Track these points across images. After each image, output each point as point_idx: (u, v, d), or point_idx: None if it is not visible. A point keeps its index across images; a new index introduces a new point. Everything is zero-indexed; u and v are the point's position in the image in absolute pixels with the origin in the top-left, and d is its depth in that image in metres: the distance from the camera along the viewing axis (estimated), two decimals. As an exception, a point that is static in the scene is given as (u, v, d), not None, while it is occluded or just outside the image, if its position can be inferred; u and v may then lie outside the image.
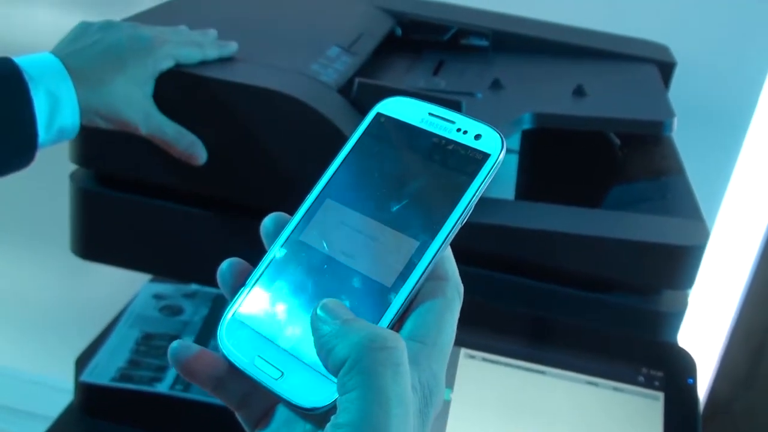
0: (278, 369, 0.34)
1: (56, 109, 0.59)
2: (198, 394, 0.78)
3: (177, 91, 0.67)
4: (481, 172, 0.36)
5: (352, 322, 0.32)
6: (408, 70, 0.88)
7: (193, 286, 0.94)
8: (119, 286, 0.97)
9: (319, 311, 0.33)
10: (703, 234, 0.67)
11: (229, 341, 0.36)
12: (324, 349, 0.32)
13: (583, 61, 0.91)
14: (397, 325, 0.34)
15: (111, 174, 0.74)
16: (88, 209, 0.74)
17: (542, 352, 0.62)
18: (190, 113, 0.67)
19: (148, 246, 0.77)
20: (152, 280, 0.96)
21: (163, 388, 0.78)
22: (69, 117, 0.60)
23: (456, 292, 0.35)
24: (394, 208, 0.36)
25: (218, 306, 0.92)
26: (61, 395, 0.86)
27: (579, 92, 0.80)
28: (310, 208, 0.38)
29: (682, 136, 0.84)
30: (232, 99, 0.66)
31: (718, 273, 1.34)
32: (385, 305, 0.34)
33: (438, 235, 0.35)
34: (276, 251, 0.37)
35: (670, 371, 0.62)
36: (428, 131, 0.38)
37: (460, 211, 0.35)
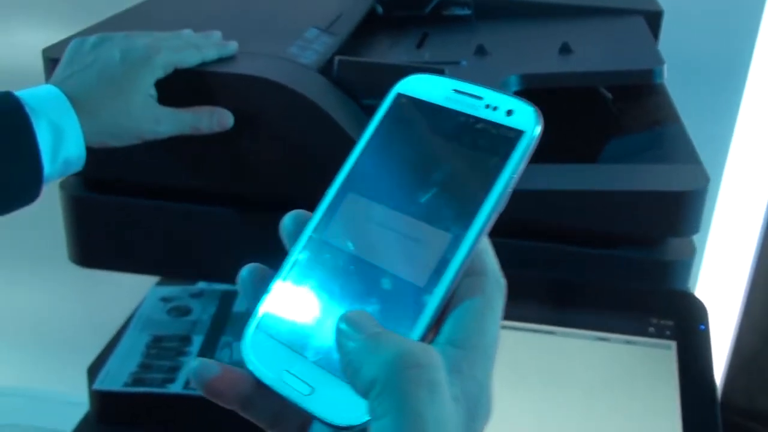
0: (308, 384, 0.31)
1: (60, 140, 0.57)
2: (212, 392, 0.78)
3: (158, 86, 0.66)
4: (515, 151, 0.32)
5: (379, 337, 0.30)
6: (391, 46, 0.87)
7: (200, 285, 0.94)
8: (125, 292, 0.97)
9: (342, 325, 0.30)
10: (702, 178, 0.66)
11: (255, 356, 0.33)
12: (350, 368, 0.30)
13: (568, 20, 0.90)
14: (434, 329, 0.31)
15: (100, 178, 0.73)
16: (82, 216, 0.74)
17: (550, 312, 0.61)
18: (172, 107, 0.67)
19: (146, 247, 0.77)
20: (159, 284, 0.96)
21: (176, 388, 0.78)
22: (74, 147, 0.59)
23: (497, 288, 0.32)
24: (423, 199, 0.33)
25: (226, 302, 0.91)
26: (76, 408, 0.86)
27: (565, 50, 0.79)
28: (331, 203, 0.35)
29: (679, 85, 0.82)
30: (211, 89, 0.66)
31: (734, 220, 1.32)
32: (420, 308, 0.31)
33: (472, 225, 0.32)
34: (298, 253, 0.34)
35: (681, 319, 0.61)
36: (454, 110, 0.34)
37: (496, 197, 0.32)
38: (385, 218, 0.33)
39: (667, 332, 0.60)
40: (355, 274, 0.33)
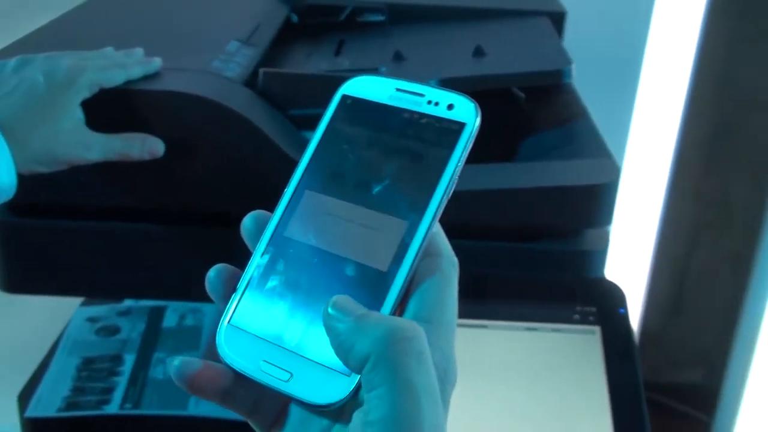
0: (286, 371, 0.34)
1: None
2: (149, 409, 0.78)
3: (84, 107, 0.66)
4: (459, 142, 0.35)
5: (367, 317, 0.32)
6: (309, 54, 0.88)
7: (127, 303, 0.93)
8: (49, 316, 0.94)
9: (330, 310, 0.32)
10: (614, 171, 0.70)
11: (230, 350, 0.35)
12: (343, 349, 0.32)
13: (478, 23, 0.93)
14: (399, 308, 0.34)
15: (25, 202, 0.72)
16: (6, 241, 0.72)
17: (481, 307, 0.64)
18: (102, 127, 0.66)
19: (75, 269, 0.76)
20: (83, 304, 0.94)
21: (112, 409, 0.77)
22: (5, 175, 0.57)
23: (452, 266, 0.35)
24: (377, 191, 0.35)
25: (154, 319, 0.91)
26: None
27: (479, 53, 0.82)
28: (290, 201, 0.37)
29: (581, 81, 0.87)
30: (140, 108, 0.65)
31: (634, 209, 1.39)
32: (385, 290, 0.34)
33: (426, 212, 0.34)
34: (262, 251, 0.36)
35: (602, 305, 0.65)
36: (399, 107, 0.37)
37: (445, 185, 0.35)
38: (343, 212, 0.36)
39: (591, 318, 0.64)
40: (320, 265, 0.35)
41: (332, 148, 0.37)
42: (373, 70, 0.80)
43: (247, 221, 0.37)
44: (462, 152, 0.35)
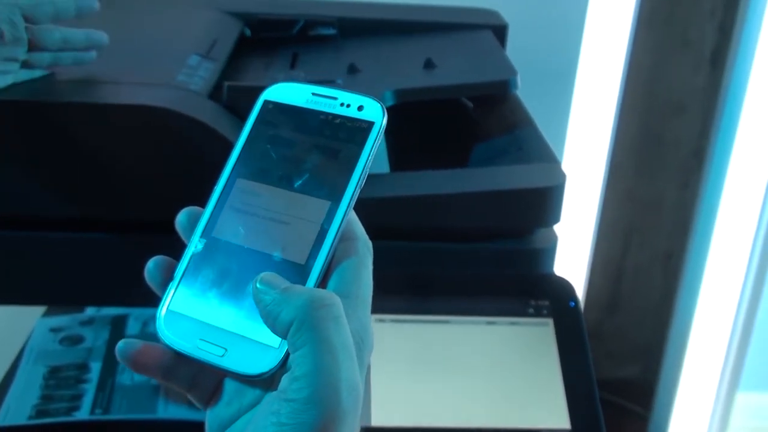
0: (221, 347, 0.38)
1: None
2: (119, 414, 0.79)
3: (49, 123, 0.67)
4: (369, 138, 0.40)
5: (291, 289, 0.36)
6: (266, 67, 0.91)
7: (89, 312, 0.94)
8: (9, 327, 0.95)
9: (258, 285, 0.37)
10: (560, 174, 0.75)
11: (170, 331, 0.39)
12: (270, 317, 0.36)
13: (426, 36, 0.98)
14: (321, 285, 0.38)
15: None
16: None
17: (443, 303, 0.68)
18: (70, 141, 0.68)
19: (34, 279, 0.77)
20: (45, 314, 0.95)
21: (83, 414, 0.79)
22: None
23: (366, 248, 0.40)
24: (297, 185, 0.40)
25: (118, 327, 0.92)
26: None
27: (429, 65, 0.87)
28: (218, 200, 0.41)
29: (520, 91, 0.92)
30: (110, 120, 0.68)
31: (572, 211, 1.46)
32: (308, 270, 0.38)
33: (342, 201, 0.39)
34: (194, 246, 0.40)
35: (554, 298, 0.69)
36: (315, 110, 0.41)
37: (358, 176, 0.39)
38: (267, 205, 0.40)
39: (544, 311, 0.68)
40: (248, 253, 0.39)
41: (257, 148, 0.41)
42: (330, 82, 0.84)
43: (182, 216, 0.41)
44: (372, 147, 0.40)
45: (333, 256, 0.39)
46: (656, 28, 1.47)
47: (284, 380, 0.35)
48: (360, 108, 0.41)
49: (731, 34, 1.42)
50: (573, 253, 1.51)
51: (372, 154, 0.40)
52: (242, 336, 0.38)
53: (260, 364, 0.37)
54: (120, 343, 0.39)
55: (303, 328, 0.35)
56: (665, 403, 1.56)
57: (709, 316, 1.46)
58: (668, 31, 1.48)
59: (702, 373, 1.49)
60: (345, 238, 0.39)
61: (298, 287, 0.37)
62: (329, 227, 0.39)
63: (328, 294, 0.36)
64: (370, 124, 0.40)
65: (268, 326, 0.37)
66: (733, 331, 1.46)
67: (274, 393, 0.36)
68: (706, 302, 1.46)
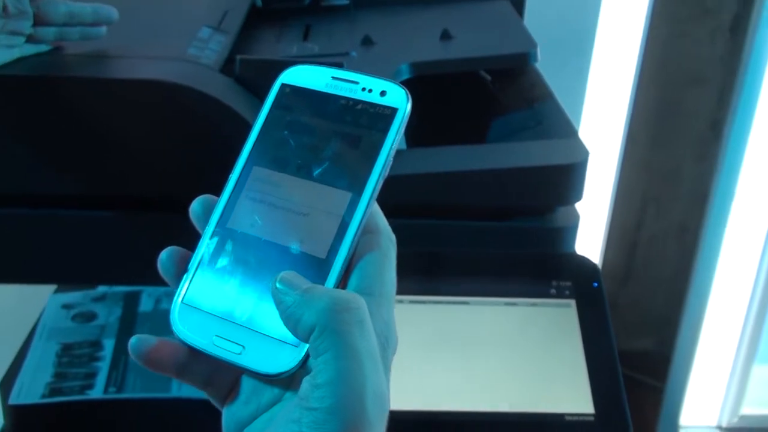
0: (238, 344, 0.36)
1: None
2: (133, 393, 0.79)
3: (56, 98, 0.66)
4: (392, 126, 0.37)
5: (312, 290, 0.34)
6: (278, 39, 0.89)
7: (101, 289, 0.93)
8: (21, 303, 0.94)
9: (278, 285, 0.35)
10: (583, 151, 0.73)
11: (184, 326, 0.37)
12: (291, 320, 0.34)
13: (442, 7, 0.95)
14: (343, 281, 0.36)
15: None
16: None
17: (463, 284, 0.67)
18: (77, 117, 0.67)
19: (46, 257, 0.76)
20: (57, 291, 0.94)
21: (96, 393, 0.78)
22: None
23: (389, 242, 0.38)
24: (317, 173, 0.38)
25: (130, 304, 0.91)
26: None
27: (446, 36, 0.84)
28: (234, 188, 0.39)
29: (539, 61, 0.90)
30: (120, 96, 0.66)
31: (588, 182, 1.43)
32: (328, 266, 0.36)
33: (364, 192, 0.37)
34: (209, 236, 0.38)
35: (577, 279, 0.68)
36: (335, 95, 0.39)
37: (381, 166, 0.37)
38: (286, 196, 0.38)
39: (566, 292, 0.67)
40: (266, 246, 0.37)
41: (274, 135, 0.39)
42: (344, 55, 0.82)
43: (195, 205, 0.39)
44: (396, 135, 0.37)
45: (355, 251, 0.37)
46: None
47: (305, 386, 0.33)
48: (383, 93, 0.38)
49: (752, 3, 1.38)
50: (588, 224, 1.49)
51: (396, 142, 0.37)
52: (260, 333, 0.36)
53: (280, 362, 0.35)
54: (133, 339, 0.37)
55: (325, 333, 0.33)
56: (680, 375, 1.55)
57: (726, 288, 1.45)
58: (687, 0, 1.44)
59: (718, 345, 1.48)
60: (367, 230, 0.37)
61: (320, 288, 0.35)
62: (351, 219, 0.36)
63: (353, 296, 0.34)
64: (393, 111, 0.38)
65: (289, 329, 0.35)
66: (750, 303, 1.44)
67: (295, 400, 0.34)
68: (723, 274, 1.44)
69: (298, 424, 0.32)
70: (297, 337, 0.34)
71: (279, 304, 0.35)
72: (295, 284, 0.35)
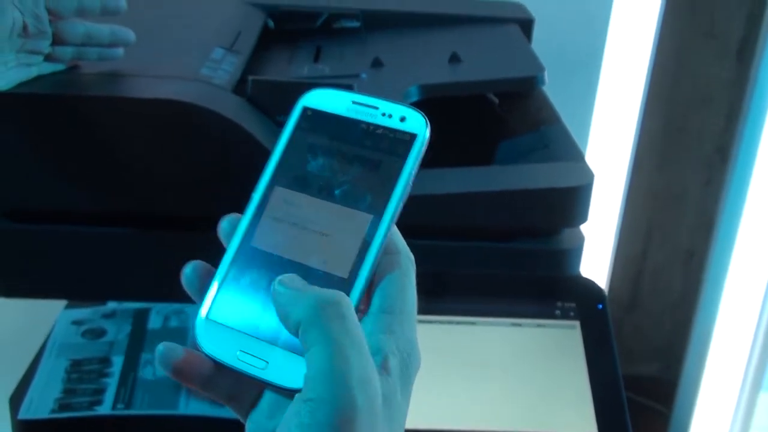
0: (262, 359, 0.37)
1: None
2: (141, 409, 0.79)
3: (72, 116, 0.67)
4: (411, 151, 0.39)
5: (304, 289, 0.36)
6: (289, 60, 0.91)
7: (111, 306, 0.94)
8: (33, 319, 0.95)
9: (277, 286, 0.37)
10: (588, 174, 0.74)
11: (208, 341, 0.38)
12: (283, 316, 0.36)
13: (452, 29, 0.97)
14: (365, 301, 0.38)
15: (5, 208, 0.73)
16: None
17: (469, 304, 0.67)
18: (92, 135, 0.68)
19: (58, 272, 0.77)
20: (67, 307, 0.95)
21: (105, 409, 0.79)
22: None
23: (409, 262, 0.39)
24: (337, 196, 0.39)
25: (140, 321, 0.92)
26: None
27: (454, 59, 0.85)
28: (257, 208, 0.39)
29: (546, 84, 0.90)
30: (133, 114, 0.67)
31: (595, 207, 1.44)
32: (350, 285, 0.37)
33: (384, 215, 0.38)
34: (233, 254, 0.39)
35: (582, 301, 0.68)
36: (356, 119, 0.40)
37: (401, 190, 0.38)
38: (308, 216, 0.39)
39: (571, 313, 0.67)
40: (286, 267, 0.38)
41: (296, 156, 0.40)
42: (354, 77, 0.83)
43: (224, 223, 0.40)
44: (415, 160, 0.39)
45: (376, 270, 0.38)
46: (682, 18, 1.44)
47: (303, 380, 0.35)
48: (402, 119, 0.39)
49: (760, 26, 1.39)
50: (594, 249, 1.49)
51: (415, 167, 0.39)
52: (283, 348, 0.37)
53: (302, 377, 0.36)
54: (160, 347, 0.38)
55: (310, 328, 0.35)
56: (687, 401, 1.55)
57: (733, 314, 1.45)
58: (694, 22, 1.46)
59: (725, 372, 1.48)
60: (387, 252, 0.38)
61: (312, 288, 0.36)
62: (372, 241, 0.38)
63: (337, 293, 0.36)
64: (413, 137, 0.39)
65: (283, 326, 0.36)
66: (757, 330, 1.44)
67: (298, 394, 0.35)
68: (729, 301, 1.44)
69: (298, 415, 0.34)
70: (290, 333, 0.36)
71: (275, 303, 0.36)
72: (291, 284, 0.36)
